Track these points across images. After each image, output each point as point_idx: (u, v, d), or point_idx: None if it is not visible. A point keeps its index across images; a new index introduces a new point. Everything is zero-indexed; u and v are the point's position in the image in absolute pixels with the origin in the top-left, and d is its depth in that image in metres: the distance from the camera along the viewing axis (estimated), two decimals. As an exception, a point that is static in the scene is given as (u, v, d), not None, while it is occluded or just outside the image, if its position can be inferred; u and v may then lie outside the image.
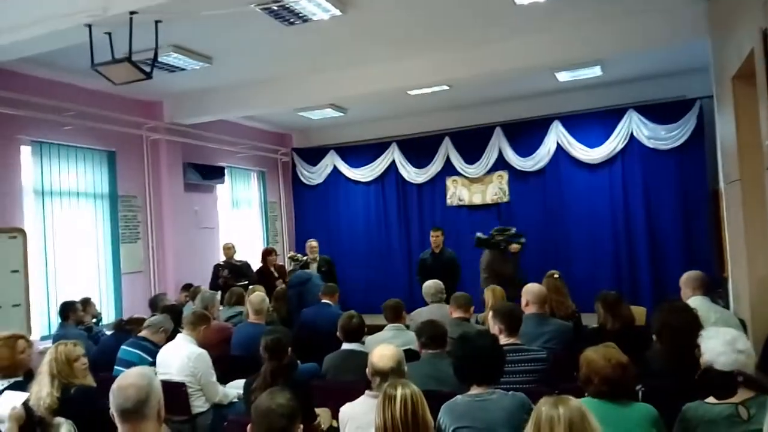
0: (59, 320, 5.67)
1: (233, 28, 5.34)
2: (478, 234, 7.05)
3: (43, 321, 6.11)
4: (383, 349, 2.83)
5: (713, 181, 7.02)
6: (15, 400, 3.04)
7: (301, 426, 2.03)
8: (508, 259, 6.83)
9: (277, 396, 2.02)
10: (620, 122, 8.19)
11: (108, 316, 6.66)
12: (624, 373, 2.41)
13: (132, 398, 1.94)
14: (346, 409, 2.79)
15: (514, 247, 6.85)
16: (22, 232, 5.87)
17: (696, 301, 3.76)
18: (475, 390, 2.59)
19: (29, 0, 4.42)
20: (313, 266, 7.92)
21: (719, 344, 2.43)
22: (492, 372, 2.63)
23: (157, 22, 4.37)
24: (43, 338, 5.93)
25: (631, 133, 8.16)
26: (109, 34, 4.44)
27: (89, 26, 4.27)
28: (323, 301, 5.67)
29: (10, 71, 5.71)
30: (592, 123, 8.45)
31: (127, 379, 2.03)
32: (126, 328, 4.89)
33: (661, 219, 8.07)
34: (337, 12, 4.91)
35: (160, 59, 5.78)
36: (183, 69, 6.30)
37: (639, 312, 5.53)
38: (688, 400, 2.45)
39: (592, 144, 8.40)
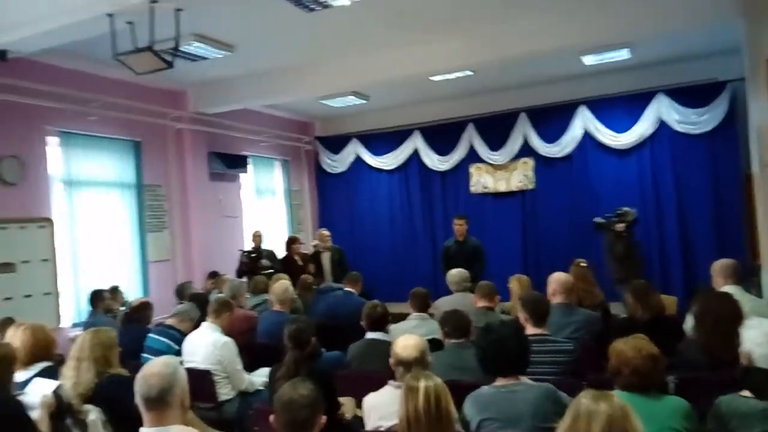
0: (88, 308, 5.76)
1: (254, 15, 5.32)
2: (595, 219, 7.30)
3: (72, 309, 6.21)
4: (407, 339, 2.80)
5: (746, 166, 6.83)
6: (45, 387, 3.08)
7: (324, 416, 2.01)
8: (620, 239, 6.96)
9: (300, 387, 2.01)
10: (649, 106, 8.00)
11: (136, 304, 6.75)
12: (654, 365, 2.34)
13: (155, 387, 1.95)
14: (370, 399, 2.78)
15: (618, 226, 6.97)
16: (50, 221, 5.96)
17: (728, 291, 3.65)
18: (500, 381, 2.55)
19: (52, -9, 4.46)
20: (326, 255, 7.95)
21: (759, 335, 2.35)
22: (516, 363, 2.58)
23: (177, 10, 4.35)
24: (74, 325, 6.03)
25: (661, 118, 7.97)
26: (131, 23, 4.45)
27: (110, 16, 4.29)
28: (346, 289, 5.73)
29: (36, 62, 5.75)
30: (620, 107, 8.26)
31: (152, 368, 2.04)
32: (134, 317, 4.77)
33: (691, 205, 7.89)
34: (358, -3, 4.85)
35: (182, 48, 5.76)
36: (205, 58, 6.31)
37: (670, 301, 5.42)
38: (723, 392, 2.37)
39: (620, 129, 8.22)
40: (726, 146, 7.60)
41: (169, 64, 4.56)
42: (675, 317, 4.31)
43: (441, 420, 1.99)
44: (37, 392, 3.05)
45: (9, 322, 3.88)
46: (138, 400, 2.00)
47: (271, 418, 2.02)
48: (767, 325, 2.35)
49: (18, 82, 5.61)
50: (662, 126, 7.99)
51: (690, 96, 7.80)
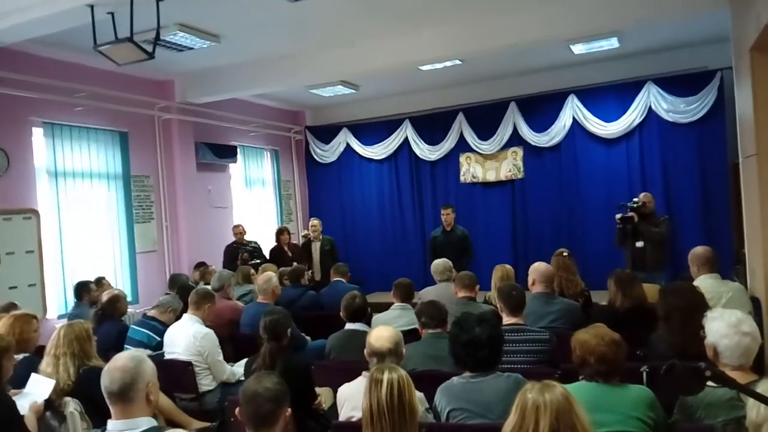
0: (75, 300, 5.76)
1: (239, 5, 5.28)
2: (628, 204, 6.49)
3: (59, 300, 6.20)
4: (381, 330, 2.81)
5: (734, 155, 6.83)
6: (43, 387, 3.06)
7: (289, 409, 2.02)
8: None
9: (264, 380, 2.02)
10: (638, 95, 7.98)
11: (123, 295, 6.75)
12: (618, 350, 2.37)
13: (117, 381, 1.94)
14: (344, 390, 2.80)
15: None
16: (36, 213, 5.95)
17: (705, 281, 3.67)
18: (469, 372, 2.57)
19: (32, -19, 4.41)
20: (316, 245, 7.98)
21: (723, 326, 2.37)
22: (485, 360, 2.57)
23: (158, 0, 4.32)
24: (60, 317, 6.01)
25: (650, 107, 7.95)
26: (112, 14, 4.42)
27: (91, 6, 4.25)
28: (335, 279, 5.89)
29: (20, 52, 5.71)
30: (609, 96, 8.25)
31: (116, 363, 2.03)
32: (107, 312, 4.65)
33: (679, 194, 7.89)
34: (342, -14, 4.82)
35: (167, 38, 5.78)
36: (191, 48, 6.27)
37: (653, 289, 5.44)
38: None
39: (609, 118, 8.20)
40: (714, 135, 7.60)
41: (150, 55, 4.53)
42: (655, 307, 4.32)
43: (404, 412, 2.01)
44: (35, 388, 3.04)
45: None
46: (103, 393, 2.00)
47: (237, 410, 2.03)
48: (730, 315, 2.37)
49: (1, 73, 5.57)
50: (651, 115, 7.97)
51: (679, 85, 7.78)
